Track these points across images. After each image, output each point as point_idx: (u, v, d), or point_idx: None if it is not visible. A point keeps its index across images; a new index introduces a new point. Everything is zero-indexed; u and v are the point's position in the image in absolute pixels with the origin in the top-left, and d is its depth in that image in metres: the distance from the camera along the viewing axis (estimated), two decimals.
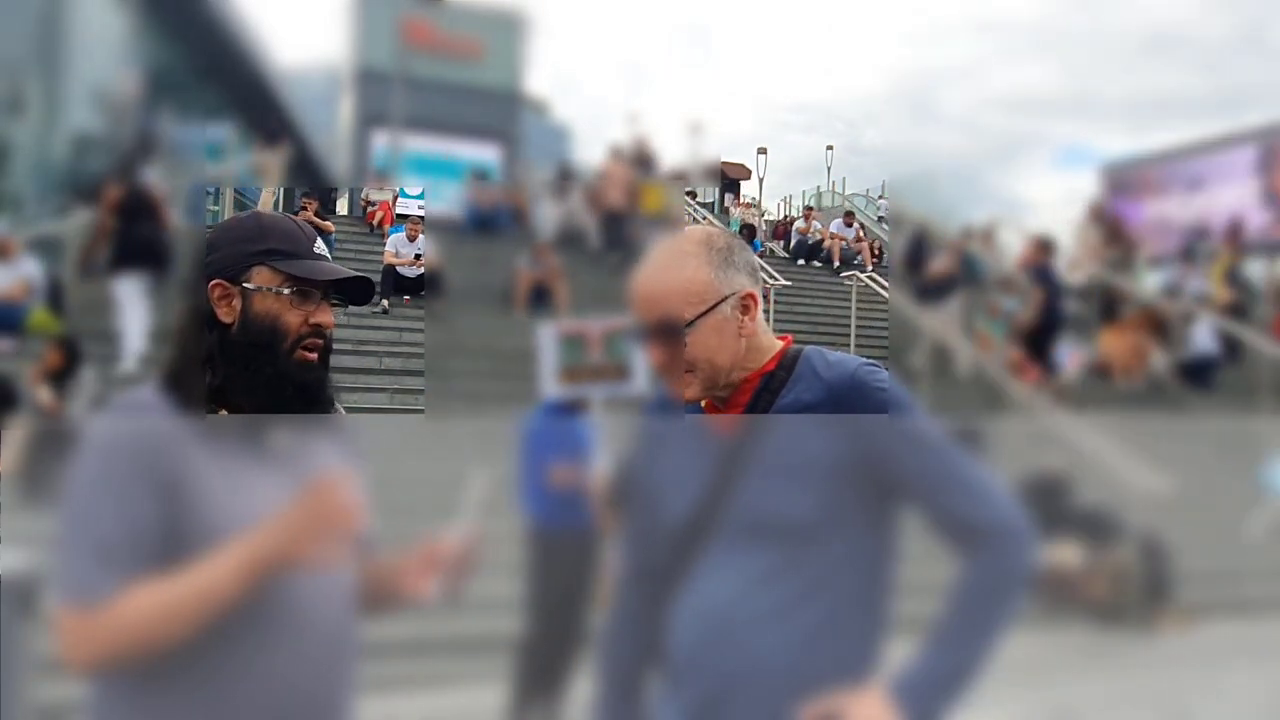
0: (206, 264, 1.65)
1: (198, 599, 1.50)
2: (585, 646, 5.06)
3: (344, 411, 1.77)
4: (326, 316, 1.66)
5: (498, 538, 5.84)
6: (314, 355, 1.65)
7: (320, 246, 1.71)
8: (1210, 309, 13.28)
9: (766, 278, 11.57)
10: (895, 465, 1.69)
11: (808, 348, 1.79)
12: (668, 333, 1.69)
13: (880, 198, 21.83)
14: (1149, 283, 15.32)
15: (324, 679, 1.63)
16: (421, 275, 11.33)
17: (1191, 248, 16.23)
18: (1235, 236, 16.49)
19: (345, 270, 1.69)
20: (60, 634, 1.51)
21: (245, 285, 1.63)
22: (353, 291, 1.70)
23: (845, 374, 1.71)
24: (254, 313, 1.63)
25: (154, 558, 1.51)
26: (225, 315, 1.63)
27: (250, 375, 1.61)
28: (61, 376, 7.45)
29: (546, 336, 5.63)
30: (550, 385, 5.47)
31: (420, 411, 8.56)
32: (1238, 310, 13.62)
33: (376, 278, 11.21)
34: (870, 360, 1.75)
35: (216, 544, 1.52)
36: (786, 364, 1.75)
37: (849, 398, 1.69)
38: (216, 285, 1.63)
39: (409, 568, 1.75)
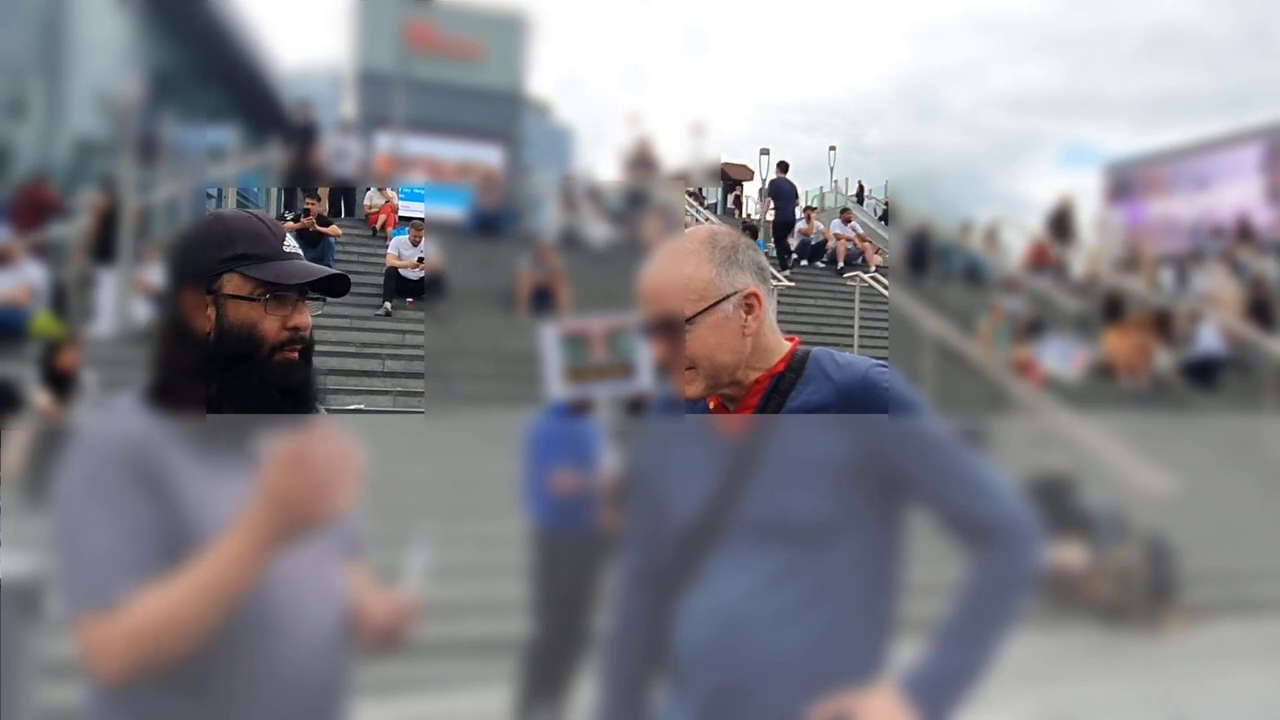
0: (174, 271, 1.61)
1: (210, 588, 1.46)
2: (589, 649, 5.05)
3: (326, 413, 1.73)
4: (304, 318, 1.62)
5: (502, 540, 5.85)
6: (295, 356, 1.62)
7: (290, 243, 1.65)
8: (1219, 307, 13.11)
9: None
10: (904, 465, 1.69)
11: (816, 349, 1.78)
12: (668, 329, 1.69)
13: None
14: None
15: (318, 681, 1.61)
16: (424, 278, 11.33)
17: (1200, 247, 16.16)
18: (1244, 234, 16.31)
19: (318, 269, 1.64)
20: (85, 645, 1.47)
21: (217, 293, 1.58)
22: (328, 287, 1.65)
23: (857, 375, 1.70)
24: (230, 321, 1.58)
25: (157, 557, 1.49)
26: (201, 324, 1.59)
27: (235, 385, 1.57)
28: (66, 379, 7.44)
29: (549, 338, 5.58)
30: (556, 387, 5.44)
31: (423, 413, 8.55)
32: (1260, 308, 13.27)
33: (379, 280, 11.24)
34: (881, 361, 1.74)
35: (204, 545, 1.49)
36: (795, 365, 1.74)
37: (861, 399, 1.68)
38: (188, 294, 1.59)
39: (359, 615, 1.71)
